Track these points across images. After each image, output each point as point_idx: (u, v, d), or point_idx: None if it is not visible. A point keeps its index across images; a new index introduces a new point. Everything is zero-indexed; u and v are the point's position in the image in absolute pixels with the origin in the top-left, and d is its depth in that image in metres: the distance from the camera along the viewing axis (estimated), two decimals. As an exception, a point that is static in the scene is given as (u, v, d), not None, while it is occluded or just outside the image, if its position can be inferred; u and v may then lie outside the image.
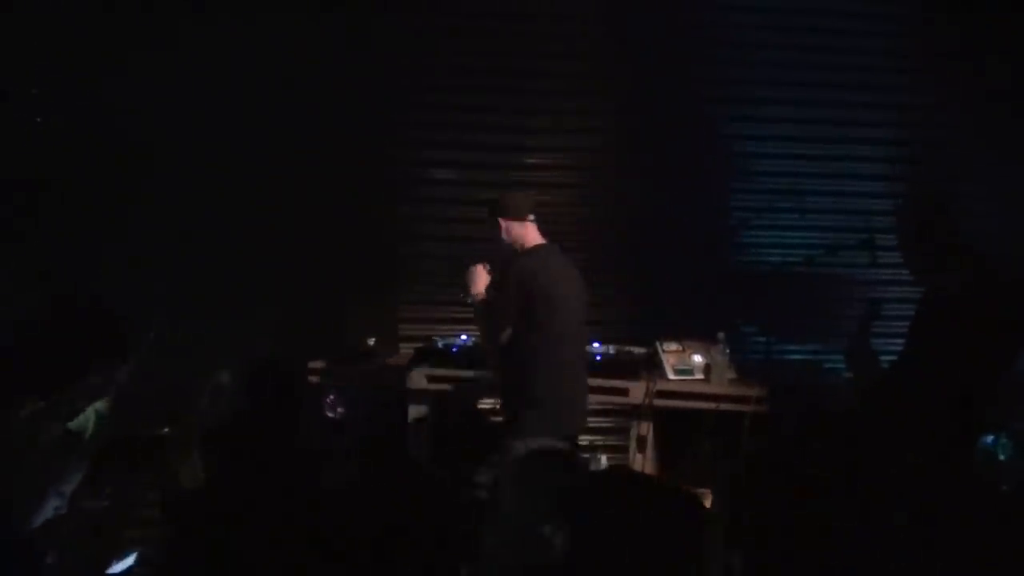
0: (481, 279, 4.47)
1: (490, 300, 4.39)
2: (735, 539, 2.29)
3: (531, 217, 4.50)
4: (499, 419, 4.68)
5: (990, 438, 4.72)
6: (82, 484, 2.49)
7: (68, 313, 4.15)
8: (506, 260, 4.43)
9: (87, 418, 2.61)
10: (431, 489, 2.72)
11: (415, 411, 5.34)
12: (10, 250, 5.02)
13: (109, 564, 2.46)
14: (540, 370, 4.28)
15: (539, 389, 4.26)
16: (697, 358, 5.31)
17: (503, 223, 4.49)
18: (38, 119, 5.29)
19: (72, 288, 4.63)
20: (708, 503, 5.05)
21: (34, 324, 3.66)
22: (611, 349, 5.40)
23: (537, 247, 4.47)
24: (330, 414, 4.88)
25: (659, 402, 5.19)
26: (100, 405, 2.62)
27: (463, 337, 5.49)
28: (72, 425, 2.56)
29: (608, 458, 5.55)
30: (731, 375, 5.26)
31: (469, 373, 5.27)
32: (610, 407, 5.81)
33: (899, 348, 4.65)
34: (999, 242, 5.45)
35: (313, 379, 5.13)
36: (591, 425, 5.96)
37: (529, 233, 4.48)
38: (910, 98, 6.00)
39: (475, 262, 4.53)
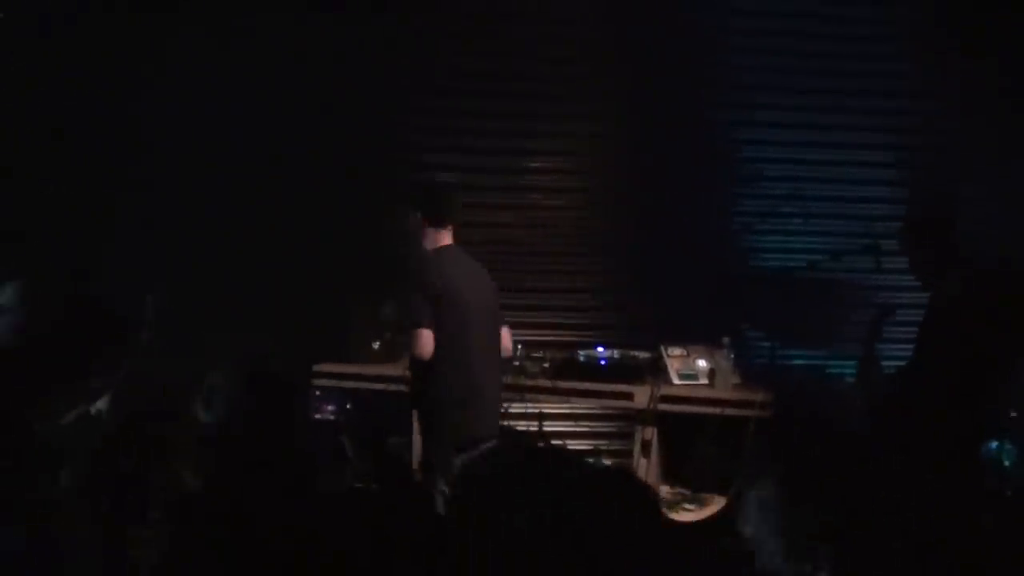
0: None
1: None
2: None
3: (450, 225, 4.45)
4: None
5: (994, 444, 4.72)
6: (84, 482, 2.48)
7: (71, 313, 4.15)
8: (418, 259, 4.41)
9: (87, 418, 2.61)
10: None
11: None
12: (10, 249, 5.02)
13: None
14: (447, 372, 4.24)
15: (444, 390, 4.24)
16: (701, 363, 5.30)
17: (422, 224, 4.43)
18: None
19: (72, 288, 4.62)
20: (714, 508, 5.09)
21: (44, 324, 3.67)
22: (615, 353, 5.40)
23: (444, 247, 4.43)
24: (317, 416, 4.87)
25: (663, 407, 5.18)
26: (100, 405, 2.62)
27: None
28: (74, 424, 2.55)
29: (612, 463, 5.53)
30: (735, 380, 5.25)
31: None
32: (614, 411, 5.82)
33: (904, 354, 4.64)
34: (1003, 245, 5.46)
35: (317, 382, 5.14)
36: (596, 430, 5.98)
37: (443, 238, 4.44)
38: (914, 102, 6.00)
39: None
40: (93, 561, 2.26)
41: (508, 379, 5.20)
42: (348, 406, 4.80)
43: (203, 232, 5.53)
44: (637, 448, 5.30)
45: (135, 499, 2.37)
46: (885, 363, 4.96)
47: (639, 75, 5.94)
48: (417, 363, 4.28)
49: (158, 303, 5.01)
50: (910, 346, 4.54)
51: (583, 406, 5.81)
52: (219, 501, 2.39)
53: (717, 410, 5.13)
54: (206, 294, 5.46)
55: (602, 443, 5.94)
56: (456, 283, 4.30)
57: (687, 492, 5.27)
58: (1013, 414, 4.84)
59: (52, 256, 5.11)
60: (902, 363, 4.70)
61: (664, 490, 5.31)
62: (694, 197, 5.98)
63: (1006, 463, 4.76)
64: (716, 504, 5.14)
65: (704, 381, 5.26)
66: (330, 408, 4.83)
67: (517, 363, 5.31)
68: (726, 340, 5.30)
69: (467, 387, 4.28)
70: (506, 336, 4.67)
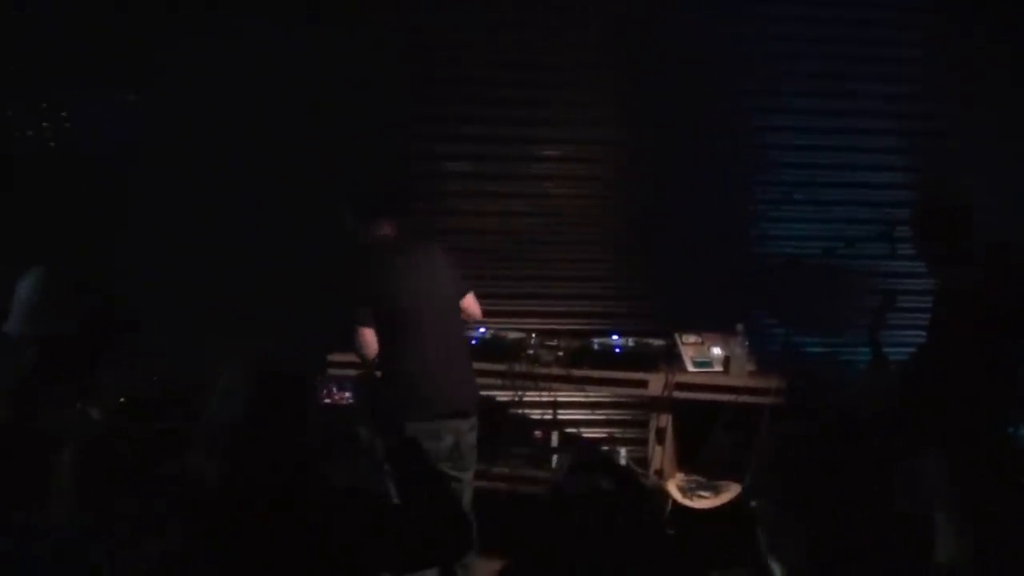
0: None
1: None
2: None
3: (386, 219, 4.60)
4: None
5: (1012, 429, 4.69)
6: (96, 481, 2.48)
7: (84, 307, 4.14)
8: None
9: (100, 416, 2.61)
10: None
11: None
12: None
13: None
14: (396, 362, 4.49)
15: (396, 379, 4.50)
16: (716, 350, 5.30)
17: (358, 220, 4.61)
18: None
19: (85, 283, 4.62)
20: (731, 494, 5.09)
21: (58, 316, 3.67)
22: (630, 341, 5.40)
23: (376, 241, 4.58)
24: (327, 400, 4.87)
25: (678, 394, 5.18)
26: (112, 403, 2.62)
27: (481, 329, 5.50)
28: (86, 423, 2.56)
29: (627, 451, 5.53)
30: (750, 367, 5.24)
31: (488, 366, 5.28)
32: (628, 399, 5.81)
33: (919, 340, 4.63)
34: (1017, 233, 5.43)
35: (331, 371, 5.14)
36: (611, 417, 5.97)
37: (377, 231, 4.59)
38: (929, 88, 5.96)
39: None
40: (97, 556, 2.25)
41: (522, 367, 5.24)
42: (361, 393, 4.80)
43: (214, 227, 5.53)
44: (652, 436, 5.31)
45: (143, 494, 2.37)
46: (894, 350, 4.95)
47: (650, 62, 5.91)
48: (365, 359, 4.52)
49: (171, 304, 5.07)
50: (921, 332, 4.53)
51: (597, 394, 5.80)
52: (234, 496, 2.39)
53: (732, 397, 5.13)
54: (217, 287, 5.47)
55: (617, 431, 5.93)
56: (388, 277, 4.49)
57: (702, 479, 5.27)
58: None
59: (65, 252, 5.12)
60: (913, 350, 4.69)
61: (679, 477, 5.31)
62: (707, 184, 5.95)
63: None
64: (731, 491, 5.14)
65: (719, 368, 5.25)
66: (346, 395, 4.83)
67: (531, 351, 5.32)
68: (740, 327, 5.29)
69: (419, 373, 4.46)
70: (470, 303, 4.81)
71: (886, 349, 4.87)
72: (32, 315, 3.55)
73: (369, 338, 4.44)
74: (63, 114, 5.50)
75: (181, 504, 2.38)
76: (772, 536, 2.26)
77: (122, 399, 2.86)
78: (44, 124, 5.48)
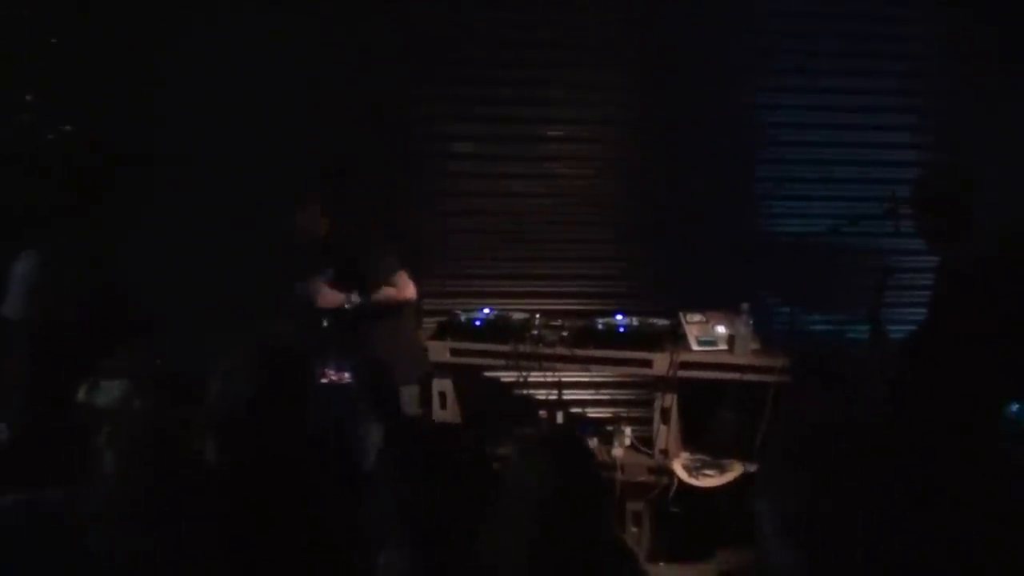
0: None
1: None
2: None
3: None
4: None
5: (1015, 407, 4.69)
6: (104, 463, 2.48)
7: (91, 293, 4.17)
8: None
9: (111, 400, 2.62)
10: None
11: (439, 385, 5.37)
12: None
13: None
14: None
15: None
16: (720, 329, 5.29)
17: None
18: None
19: (91, 269, 4.64)
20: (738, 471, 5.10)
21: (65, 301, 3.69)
22: (634, 321, 5.39)
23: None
24: (324, 380, 4.89)
25: (683, 373, 5.18)
26: (121, 387, 2.63)
27: (486, 310, 5.50)
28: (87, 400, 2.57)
29: (632, 430, 5.54)
30: (755, 345, 5.24)
31: (493, 346, 5.30)
32: (633, 379, 5.82)
33: (917, 317, 4.62)
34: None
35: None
36: (615, 397, 5.99)
37: None
38: (935, 64, 5.94)
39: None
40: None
41: (527, 348, 5.25)
42: (361, 370, 4.83)
43: (217, 210, 5.53)
44: (657, 415, 5.31)
45: (150, 479, 2.37)
46: (899, 327, 4.95)
47: (654, 41, 5.90)
48: None
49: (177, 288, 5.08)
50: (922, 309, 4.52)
51: (602, 374, 5.82)
52: (237, 477, 2.40)
53: (736, 376, 5.13)
54: (219, 270, 5.47)
55: (621, 411, 5.93)
56: None
57: (707, 458, 5.27)
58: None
59: (71, 238, 5.13)
60: (914, 327, 4.68)
61: (684, 456, 5.32)
62: (712, 163, 5.94)
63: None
64: (736, 470, 5.15)
65: (723, 347, 5.25)
66: (346, 375, 4.85)
67: (535, 332, 5.33)
68: (745, 306, 5.28)
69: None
70: (402, 281, 5.21)
71: (890, 326, 4.87)
72: (32, 297, 3.56)
73: None
74: (65, 99, 5.48)
75: (187, 485, 2.39)
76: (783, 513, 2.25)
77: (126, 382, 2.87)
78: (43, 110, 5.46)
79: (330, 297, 5.17)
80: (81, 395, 2.52)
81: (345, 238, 5.16)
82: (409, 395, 5.17)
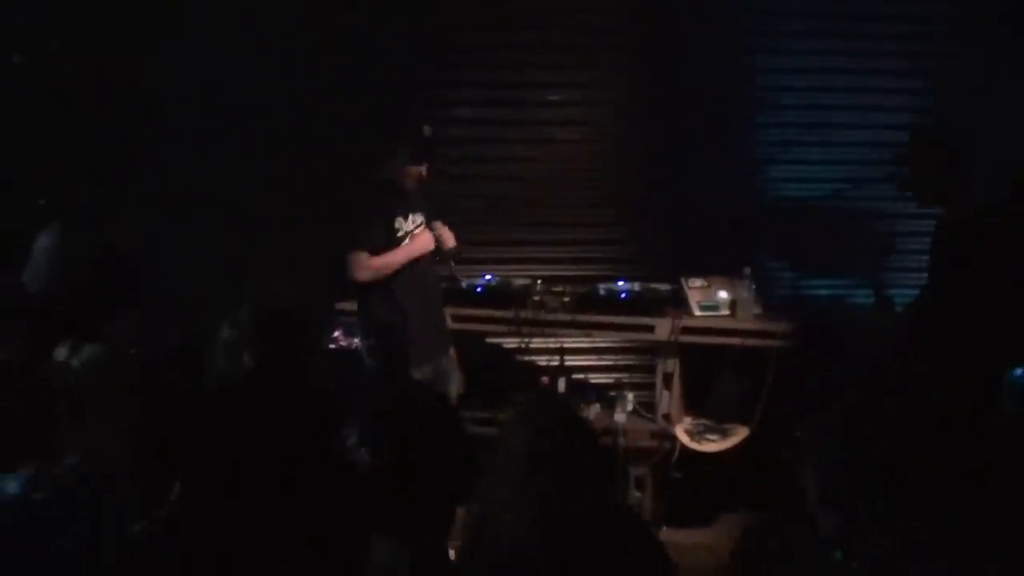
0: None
1: None
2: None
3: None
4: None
5: (1019, 371, 4.67)
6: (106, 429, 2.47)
7: (92, 262, 4.15)
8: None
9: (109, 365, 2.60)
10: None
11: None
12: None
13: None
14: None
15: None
16: (722, 294, 5.28)
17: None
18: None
19: (96, 233, 4.62)
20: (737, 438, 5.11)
21: (65, 273, 3.68)
22: (636, 286, 5.38)
23: None
24: (333, 346, 4.86)
25: (685, 338, 5.18)
26: (121, 351, 2.62)
27: (487, 276, 5.49)
28: (94, 372, 2.55)
29: (635, 396, 5.54)
30: (757, 310, 5.24)
31: (494, 312, 5.29)
32: (635, 344, 5.81)
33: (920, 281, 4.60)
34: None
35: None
36: (617, 363, 5.98)
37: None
38: (938, 27, 5.89)
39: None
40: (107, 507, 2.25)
41: (528, 314, 5.24)
42: (371, 337, 4.81)
43: (222, 176, 5.51)
44: (659, 380, 5.31)
45: (155, 445, 2.37)
46: (899, 291, 4.93)
47: (655, 4, 5.85)
48: None
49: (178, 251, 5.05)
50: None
51: (604, 340, 5.81)
52: (243, 446, 2.39)
53: (739, 341, 5.13)
54: (225, 236, 5.46)
55: (624, 376, 5.93)
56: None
57: (710, 423, 5.28)
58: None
59: (77, 201, 5.11)
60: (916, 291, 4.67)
61: (687, 421, 5.33)
62: (713, 127, 5.90)
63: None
64: (739, 434, 5.16)
65: (725, 312, 5.24)
66: (354, 341, 4.83)
67: (537, 298, 5.32)
68: (747, 270, 5.28)
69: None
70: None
71: (894, 290, 4.85)
72: (54, 270, 3.56)
73: None
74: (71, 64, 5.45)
75: (193, 454, 2.38)
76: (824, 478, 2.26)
77: (133, 351, 2.86)
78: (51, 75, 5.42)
79: (448, 236, 5.06)
80: (60, 355, 2.50)
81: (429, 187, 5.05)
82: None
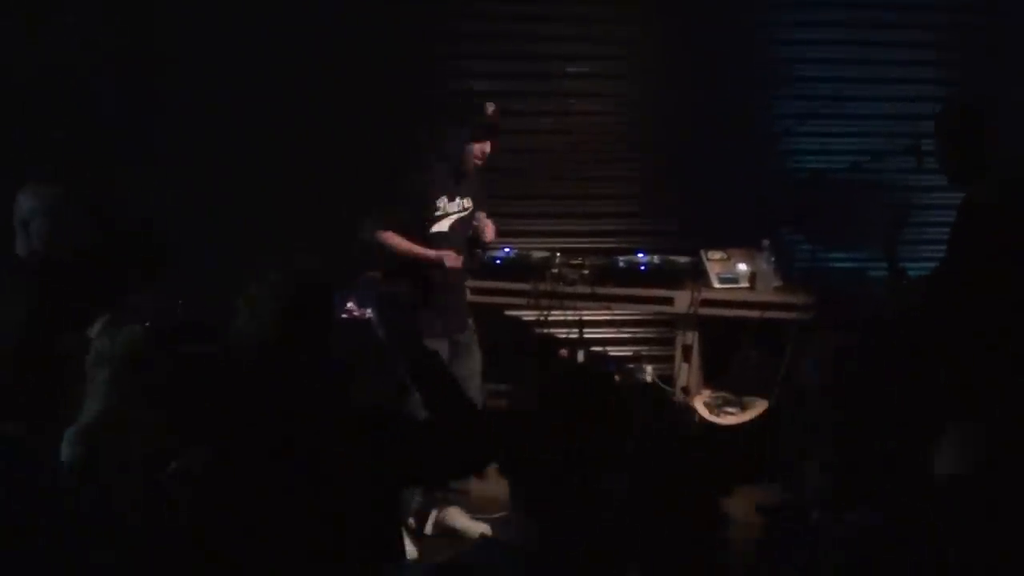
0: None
1: None
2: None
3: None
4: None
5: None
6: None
7: (103, 227, 4.15)
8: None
9: (130, 336, 2.61)
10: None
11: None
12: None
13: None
14: None
15: None
16: (742, 266, 5.28)
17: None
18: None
19: (105, 202, 4.63)
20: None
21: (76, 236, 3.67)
22: (655, 259, 5.38)
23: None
24: (344, 315, 4.87)
25: (704, 311, 5.18)
26: (138, 327, 2.63)
27: (506, 249, 5.49)
28: (115, 344, 2.56)
29: (653, 368, 5.55)
30: (776, 282, 5.23)
31: (513, 285, 5.30)
32: (654, 317, 5.81)
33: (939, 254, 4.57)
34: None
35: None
36: (636, 336, 5.97)
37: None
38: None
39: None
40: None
41: (547, 286, 5.25)
42: (385, 306, 4.81)
43: (239, 147, 5.51)
44: (678, 353, 5.31)
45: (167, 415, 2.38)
46: (917, 265, 4.91)
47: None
48: None
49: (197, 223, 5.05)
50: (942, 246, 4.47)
51: (623, 312, 5.80)
52: (260, 414, 2.40)
53: (758, 313, 5.13)
54: (243, 209, 5.47)
55: (643, 349, 5.93)
56: None
57: (729, 395, 5.28)
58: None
59: (84, 172, 5.12)
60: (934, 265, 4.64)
61: (706, 394, 5.33)
62: (732, 100, 5.87)
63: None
64: (758, 407, 5.16)
65: (745, 284, 5.24)
66: (367, 311, 4.83)
67: (556, 270, 5.32)
68: (766, 243, 5.27)
69: None
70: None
71: (911, 264, 4.83)
72: (38, 234, 3.55)
73: None
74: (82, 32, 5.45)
75: (208, 423, 2.40)
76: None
77: (147, 323, 2.87)
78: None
79: (490, 231, 4.95)
80: (94, 332, 2.52)
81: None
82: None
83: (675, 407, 5.26)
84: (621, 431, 2.07)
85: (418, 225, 4.72)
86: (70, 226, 3.62)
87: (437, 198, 4.75)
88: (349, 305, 4.88)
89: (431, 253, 4.72)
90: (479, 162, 4.76)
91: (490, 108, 4.73)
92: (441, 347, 4.55)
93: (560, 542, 1.98)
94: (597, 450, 2.01)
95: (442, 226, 4.78)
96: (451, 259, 4.74)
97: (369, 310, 4.79)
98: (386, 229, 4.72)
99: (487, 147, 4.73)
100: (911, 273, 4.81)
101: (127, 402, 2.27)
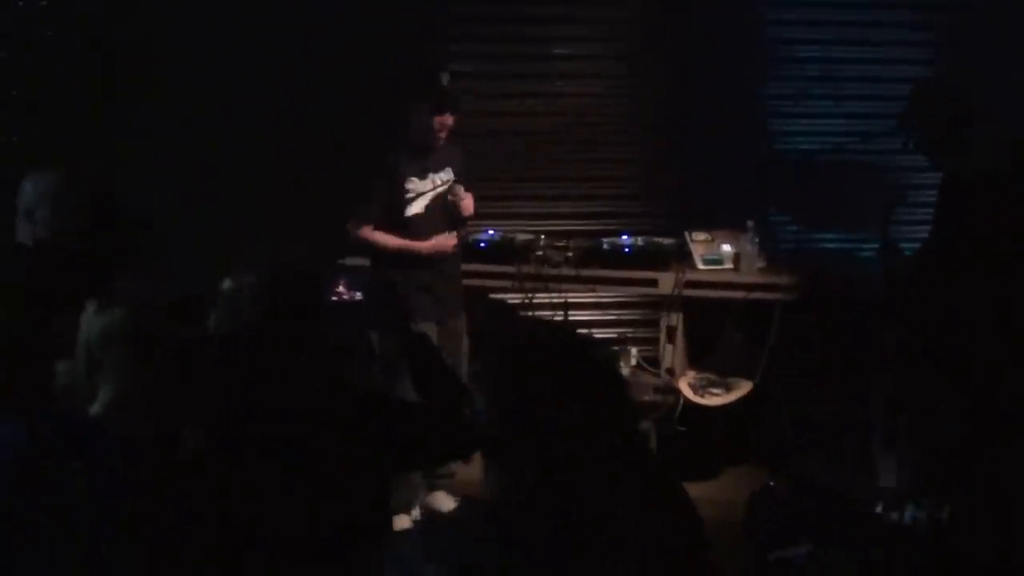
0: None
1: None
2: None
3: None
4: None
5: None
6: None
7: (96, 213, 4.12)
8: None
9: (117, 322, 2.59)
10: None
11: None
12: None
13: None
14: None
15: None
16: (726, 247, 5.27)
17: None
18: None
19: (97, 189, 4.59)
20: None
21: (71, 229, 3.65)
22: (639, 240, 5.39)
23: None
24: (334, 299, 4.85)
25: (688, 292, 5.17)
26: (123, 311, 2.60)
27: (490, 231, 5.47)
28: (104, 330, 2.54)
29: (638, 350, 5.55)
30: (761, 264, 5.23)
31: (497, 267, 5.28)
32: (639, 299, 5.81)
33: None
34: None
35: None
36: (621, 317, 5.97)
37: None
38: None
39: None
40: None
41: (532, 269, 5.24)
42: (374, 291, 4.80)
43: (227, 131, 5.47)
44: (663, 334, 5.32)
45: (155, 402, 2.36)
46: (905, 245, 4.92)
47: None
48: None
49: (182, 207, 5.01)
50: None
51: (608, 294, 5.80)
52: (248, 401, 2.39)
53: (742, 294, 5.13)
54: (230, 194, 5.43)
55: (627, 331, 5.92)
56: None
57: (713, 377, 5.29)
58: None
59: (75, 159, 5.07)
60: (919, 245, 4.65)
61: (690, 375, 5.34)
62: (719, 80, 5.86)
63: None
64: (743, 388, 5.17)
65: (729, 266, 5.24)
66: (357, 294, 4.81)
67: (541, 253, 5.31)
68: (751, 224, 5.26)
69: None
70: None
71: (900, 244, 4.84)
72: (38, 219, 3.53)
73: None
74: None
75: (196, 412, 2.38)
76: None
77: (140, 305, 2.84)
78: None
79: (468, 204, 4.90)
80: (86, 315, 2.49)
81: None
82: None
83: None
84: (592, 400, 2.05)
85: (396, 210, 4.72)
86: (74, 213, 3.60)
87: (406, 180, 4.73)
88: (339, 289, 4.86)
89: (421, 246, 4.72)
90: (442, 134, 4.73)
91: (445, 79, 4.70)
92: (431, 331, 4.55)
93: (533, 513, 1.98)
94: (567, 418, 2.00)
95: (418, 207, 4.78)
96: (441, 243, 4.74)
97: (359, 293, 4.78)
98: (367, 224, 4.71)
99: (448, 120, 4.71)
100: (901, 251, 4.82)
101: (133, 385, 2.24)
